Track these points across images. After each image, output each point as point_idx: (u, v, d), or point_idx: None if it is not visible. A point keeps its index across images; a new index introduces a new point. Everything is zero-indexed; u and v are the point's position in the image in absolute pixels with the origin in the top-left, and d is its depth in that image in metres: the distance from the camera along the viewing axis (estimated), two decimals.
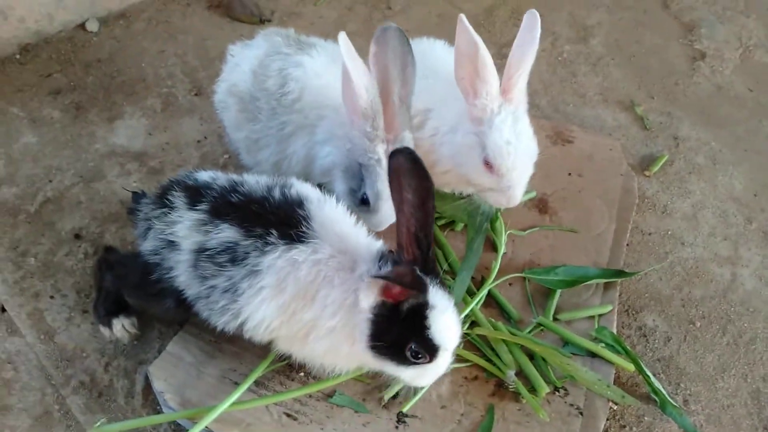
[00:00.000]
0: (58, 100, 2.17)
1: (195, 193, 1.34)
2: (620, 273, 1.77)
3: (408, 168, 1.15)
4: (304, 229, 1.26)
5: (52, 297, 1.64)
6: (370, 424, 1.46)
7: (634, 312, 1.80)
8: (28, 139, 2.03)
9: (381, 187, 1.48)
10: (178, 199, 1.35)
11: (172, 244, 1.32)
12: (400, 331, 1.19)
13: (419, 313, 1.17)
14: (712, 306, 1.84)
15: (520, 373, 1.55)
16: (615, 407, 1.58)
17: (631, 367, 1.58)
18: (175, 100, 2.23)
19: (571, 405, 1.51)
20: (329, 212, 1.32)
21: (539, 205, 2.01)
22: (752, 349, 1.75)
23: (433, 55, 1.80)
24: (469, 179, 1.72)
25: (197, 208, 1.31)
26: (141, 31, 2.47)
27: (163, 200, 1.37)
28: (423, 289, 1.16)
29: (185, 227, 1.31)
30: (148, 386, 1.49)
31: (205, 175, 1.40)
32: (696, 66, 2.61)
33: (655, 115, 2.41)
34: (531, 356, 1.58)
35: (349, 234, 1.30)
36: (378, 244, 1.30)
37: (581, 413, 1.50)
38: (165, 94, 2.25)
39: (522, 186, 1.68)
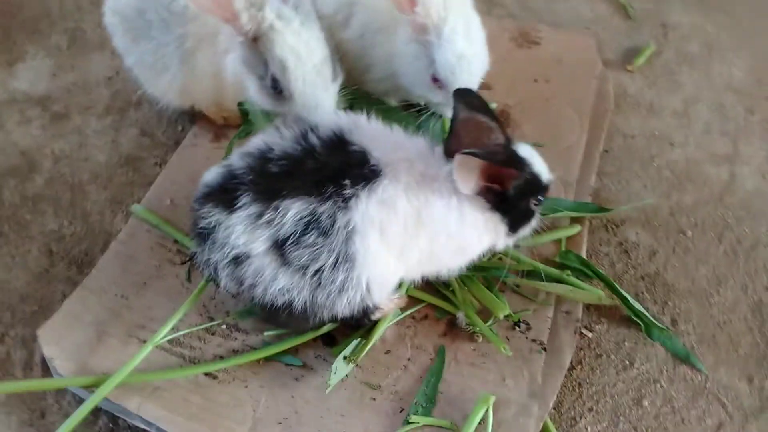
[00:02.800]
0: None
1: (224, 194, 1.08)
2: (598, 209, 1.52)
3: None
4: (370, 161, 1.07)
5: None
6: (304, 377, 1.26)
7: (613, 226, 1.56)
8: None
9: (284, 54, 1.21)
10: (212, 212, 1.08)
11: (239, 260, 1.08)
12: (524, 196, 1.14)
13: (530, 178, 1.12)
14: (706, 212, 1.58)
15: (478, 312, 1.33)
16: (590, 335, 1.36)
17: (600, 294, 1.34)
18: (83, 35, 1.96)
19: (533, 341, 1.30)
20: (369, 128, 1.14)
21: (501, 117, 1.74)
22: (753, 257, 1.50)
23: None
24: (412, 92, 1.47)
25: (239, 205, 1.06)
26: None
27: (200, 231, 1.11)
28: (522, 164, 1.10)
29: (241, 232, 1.06)
30: None
31: (213, 172, 1.13)
32: None
33: (641, 2, 2.08)
34: (488, 287, 1.36)
35: (399, 139, 1.15)
36: (421, 139, 1.17)
37: (544, 349, 1.28)
38: (72, 29, 1.98)
39: None
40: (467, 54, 1.33)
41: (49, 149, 1.68)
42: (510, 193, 1.10)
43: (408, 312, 1.34)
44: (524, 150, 1.14)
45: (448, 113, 1.47)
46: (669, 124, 1.77)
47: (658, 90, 1.84)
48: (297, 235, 1.05)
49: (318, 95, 1.27)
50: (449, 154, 1.09)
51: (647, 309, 1.38)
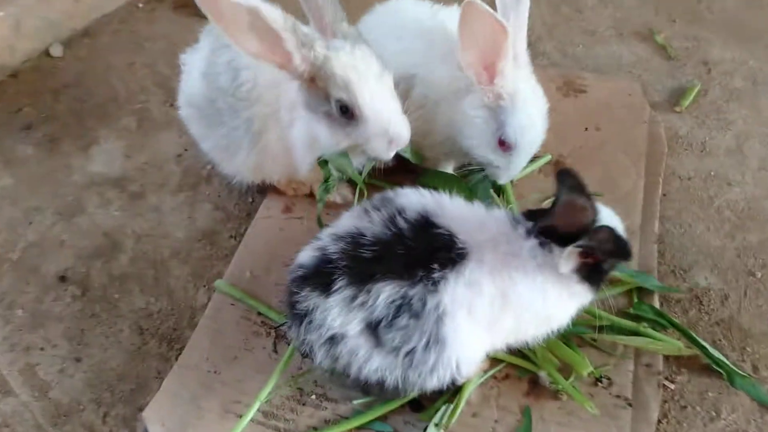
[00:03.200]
0: (31, 135, 2.05)
1: (320, 277, 1.14)
2: (662, 287, 1.50)
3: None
4: (456, 244, 1.12)
5: (42, 349, 1.53)
6: None
7: (681, 272, 1.57)
8: (5, 181, 1.92)
9: (345, 73, 1.24)
10: (310, 296, 1.15)
11: (334, 339, 1.15)
12: (609, 265, 1.18)
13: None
14: None
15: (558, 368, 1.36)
16: (672, 387, 1.37)
17: (679, 345, 1.36)
18: (150, 115, 2.09)
19: (618, 396, 1.32)
20: (453, 209, 1.20)
21: (556, 168, 1.79)
22: None
23: (403, 13, 1.59)
24: (473, 154, 1.53)
25: (335, 289, 1.12)
26: (107, 47, 2.33)
27: (297, 313, 1.17)
28: (627, 252, 1.15)
29: (337, 314, 1.13)
30: None
31: (307, 255, 1.19)
32: None
33: (680, 41, 2.13)
34: (566, 343, 1.39)
35: (482, 219, 1.19)
36: (501, 213, 1.22)
37: (629, 404, 1.30)
38: (139, 110, 2.11)
39: (527, 160, 1.52)
40: (536, 118, 1.42)
41: (130, 229, 1.78)
42: (605, 267, 1.14)
43: (490, 373, 1.38)
44: (605, 214, 1.17)
45: (502, 178, 1.53)
46: (724, 163, 1.79)
47: (709, 129, 1.87)
48: (389, 318, 1.11)
49: (387, 106, 1.29)
50: (546, 235, 1.13)
51: (726, 356, 1.39)
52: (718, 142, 1.84)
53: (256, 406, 1.33)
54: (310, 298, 1.16)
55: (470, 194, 1.62)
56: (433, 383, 1.18)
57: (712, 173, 1.77)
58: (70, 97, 2.16)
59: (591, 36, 2.18)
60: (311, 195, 1.74)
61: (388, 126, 1.29)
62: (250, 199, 1.81)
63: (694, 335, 1.39)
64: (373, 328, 1.13)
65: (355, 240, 1.16)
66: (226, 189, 1.84)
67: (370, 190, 1.56)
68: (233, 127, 1.50)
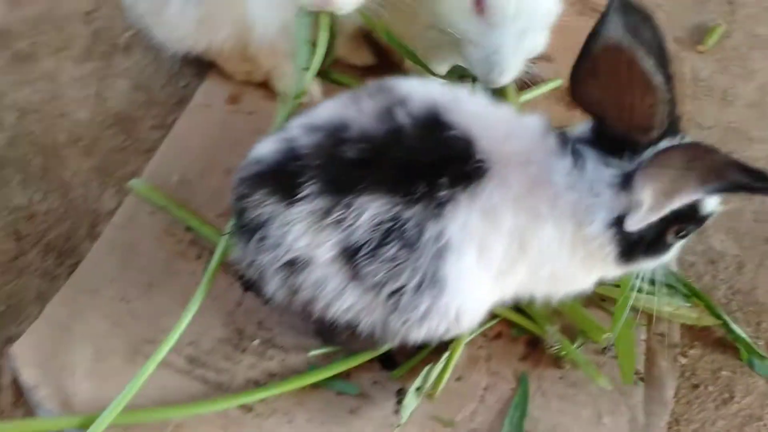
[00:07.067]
0: None
1: (282, 178, 0.83)
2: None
3: None
4: (475, 154, 0.83)
5: None
6: (360, 409, 1.02)
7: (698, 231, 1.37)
8: None
9: None
10: (266, 201, 0.83)
11: (296, 265, 0.84)
12: (662, 225, 0.86)
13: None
14: None
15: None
16: (684, 361, 1.18)
17: (696, 314, 1.17)
18: None
19: None
20: (473, 107, 0.89)
21: (567, 97, 1.51)
22: None
23: None
24: (441, 19, 1.13)
25: (302, 196, 0.81)
26: None
27: (244, 221, 0.86)
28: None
29: (302, 231, 0.82)
30: None
31: (268, 146, 0.87)
32: None
33: None
34: None
35: (511, 123, 0.89)
36: (536, 121, 0.90)
37: (642, 379, 1.09)
38: None
39: (519, 56, 1.10)
40: None
41: (11, 98, 1.31)
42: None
43: (480, 329, 1.11)
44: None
45: (484, 67, 1.09)
46: (745, 115, 1.59)
47: (731, 76, 1.66)
48: (373, 244, 0.81)
49: None
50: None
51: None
52: (740, 92, 1.63)
53: (170, 343, 0.96)
54: (265, 205, 0.83)
55: None
56: (420, 334, 0.90)
57: (733, 126, 1.57)
58: None
59: None
60: (265, 85, 1.35)
61: None
62: (184, 83, 1.39)
63: (719, 309, 1.19)
64: (350, 256, 0.82)
65: (336, 134, 0.83)
66: (152, 65, 1.40)
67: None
68: None
